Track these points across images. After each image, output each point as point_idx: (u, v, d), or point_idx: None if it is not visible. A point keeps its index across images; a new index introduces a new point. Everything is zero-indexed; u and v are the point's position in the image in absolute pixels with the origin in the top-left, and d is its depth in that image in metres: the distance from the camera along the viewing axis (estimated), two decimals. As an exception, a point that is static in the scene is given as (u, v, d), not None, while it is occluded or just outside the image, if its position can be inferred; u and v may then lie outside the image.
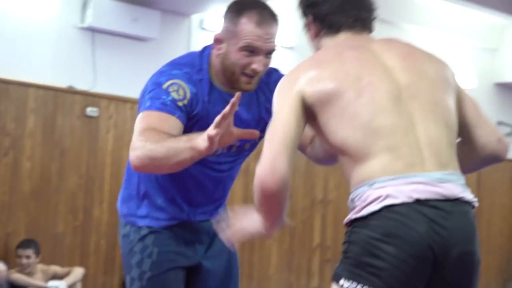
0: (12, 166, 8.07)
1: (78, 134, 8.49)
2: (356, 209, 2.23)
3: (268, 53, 3.03)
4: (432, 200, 2.19)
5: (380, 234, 2.15)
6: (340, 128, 2.31)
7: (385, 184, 2.20)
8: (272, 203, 2.39)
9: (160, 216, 3.33)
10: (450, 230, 2.20)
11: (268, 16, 3.03)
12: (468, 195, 2.28)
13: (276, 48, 3.07)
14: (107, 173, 8.70)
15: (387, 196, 2.17)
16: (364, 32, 2.62)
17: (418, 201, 2.18)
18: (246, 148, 3.33)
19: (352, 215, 2.24)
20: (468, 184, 8.79)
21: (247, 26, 2.95)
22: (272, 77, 3.20)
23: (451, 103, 2.42)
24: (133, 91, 8.76)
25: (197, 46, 9.43)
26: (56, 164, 8.31)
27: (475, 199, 2.31)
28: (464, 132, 2.51)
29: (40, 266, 7.82)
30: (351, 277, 2.15)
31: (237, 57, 2.95)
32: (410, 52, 2.55)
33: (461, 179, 2.32)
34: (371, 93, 2.34)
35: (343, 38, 2.56)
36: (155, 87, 3.02)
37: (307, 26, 2.66)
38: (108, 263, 8.67)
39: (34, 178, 8.20)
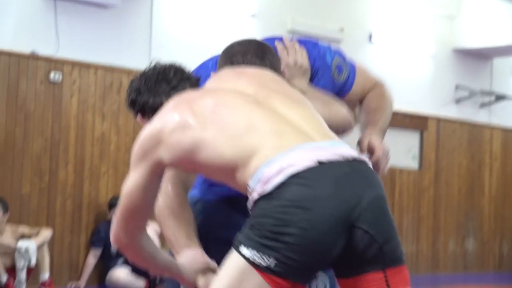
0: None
1: (42, 99, 8.49)
2: (258, 189, 2.09)
3: None
4: (334, 161, 2.14)
5: (289, 200, 2.03)
6: (215, 149, 2.24)
7: (284, 157, 2.10)
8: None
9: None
10: (357, 182, 2.16)
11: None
12: (362, 157, 2.28)
13: None
14: (71, 136, 8.69)
15: (289, 166, 2.07)
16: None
17: (320, 164, 2.10)
18: None
19: (255, 195, 2.10)
20: (428, 146, 9.00)
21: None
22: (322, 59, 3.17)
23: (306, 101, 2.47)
24: (96, 57, 8.85)
25: (158, 14, 9.53)
26: (20, 128, 8.32)
27: (369, 162, 2.32)
28: None
29: (8, 226, 7.86)
30: (256, 247, 2.03)
31: None
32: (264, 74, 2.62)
33: (349, 146, 2.28)
34: (230, 111, 2.30)
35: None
36: None
37: None
38: (75, 223, 8.70)
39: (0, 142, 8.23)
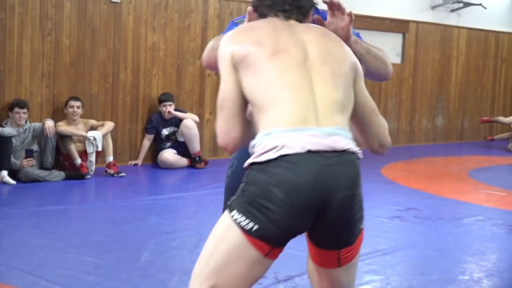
0: (55, 43, 8.02)
1: (106, 16, 8.40)
2: (255, 154, 2.11)
3: None
4: (321, 151, 2.06)
5: (274, 180, 2.01)
6: (252, 81, 2.19)
7: (282, 135, 2.07)
8: None
9: None
10: (335, 177, 2.08)
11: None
12: (354, 147, 2.16)
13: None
14: (129, 46, 8.66)
15: (283, 146, 2.04)
16: (289, 20, 2.42)
17: (309, 152, 2.04)
18: None
19: (251, 159, 2.12)
20: (409, 44, 8.84)
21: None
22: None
23: (349, 81, 2.26)
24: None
25: None
26: (89, 41, 8.26)
27: (360, 151, 2.18)
28: (360, 121, 2.38)
29: (81, 119, 7.90)
30: (243, 212, 2.04)
31: None
32: (325, 35, 2.37)
33: (348, 134, 2.18)
34: (283, 56, 2.21)
35: (271, 20, 2.42)
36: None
37: (248, 13, 2.54)
38: (133, 114, 8.75)
39: (72, 52, 8.16)
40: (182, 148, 8.79)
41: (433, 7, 12.18)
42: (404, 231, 5.72)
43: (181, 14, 9.04)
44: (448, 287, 4.25)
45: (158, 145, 8.86)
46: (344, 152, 2.10)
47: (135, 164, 8.74)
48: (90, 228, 5.36)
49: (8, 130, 7.21)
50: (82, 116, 7.98)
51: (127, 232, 5.26)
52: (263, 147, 2.07)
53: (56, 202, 6.42)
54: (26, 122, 7.48)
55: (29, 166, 7.34)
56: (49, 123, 7.54)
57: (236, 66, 2.21)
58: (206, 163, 8.76)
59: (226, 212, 2.10)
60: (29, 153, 7.43)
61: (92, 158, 7.80)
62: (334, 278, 2.29)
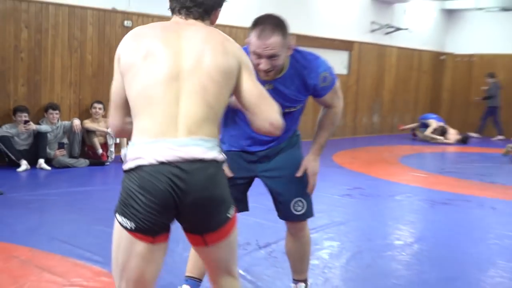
0: (80, 59, 7.88)
1: (120, 37, 8.21)
2: (124, 163, 2.00)
3: (270, 57, 2.58)
4: (173, 162, 1.92)
5: (136, 186, 1.92)
6: (129, 90, 2.00)
7: (141, 147, 1.94)
8: None
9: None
10: (187, 183, 1.93)
11: (268, 31, 2.55)
12: (210, 155, 1.97)
13: (276, 53, 2.58)
14: None
15: (139, 158, 1.93)
16: (189, 18, 2.11)
17: (161, 163, 1.91)
18: (285, 112, 2.72)
19: (123, 166, 2.01)
20: (353, 59, 8.77)
21: (252, 38, 2.58)
22: (312, 63, 2.80)
23: (219, 90, 2.02)
24: (152, 9, 8.57)
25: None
26: (107, 56, 8.13)
27: (220, 156, 2.01)
28: (248, 106, 2.11)
29: (103, 118, 7.82)
30: (122, 213, 1.95)
31: (252, 59, 2.52)
32: (209, 39, 2.06)
33: (208, 143, 1.97)
34: (155, 68, 1.97)
35: (173, 19, 2.14)
36: None
37: None
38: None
39: (93, 65, 8.03)
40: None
41: (372, 31, 12.23)
42: (353, 206, 5.79)
43: (179, 36, 8.99)
44: (388, 250, 4.31)
45: None
46: (196, 161, 1.95)
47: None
48: (112, 205, 5.27)
49: (44, 127, 7.18)
50: (103, 116, 7.90)
51: None
52: (129, 157, 1.97)
53: (82, 184, 6.39)
54: (58, 120, 7.41)
55: (61, 155, 7.37)
56: (76, 121, 7.51)
57: (121, 70, 2.05)
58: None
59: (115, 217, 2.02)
60: (61, 145, 7.47)
61: (112, 148, 7.75)
62: (206, 255, 2.18)
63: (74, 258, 3.76)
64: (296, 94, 2.80)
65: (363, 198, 6.11)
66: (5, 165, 6.99)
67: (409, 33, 12.95)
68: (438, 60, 14.04)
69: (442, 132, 11.66)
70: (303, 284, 3.17)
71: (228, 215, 2.06)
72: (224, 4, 2.20)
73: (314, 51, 10.44)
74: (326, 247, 4.30)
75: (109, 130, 7.67)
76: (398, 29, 12.55)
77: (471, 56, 13.87)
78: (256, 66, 2.57)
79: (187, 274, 3.05)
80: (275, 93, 2.66)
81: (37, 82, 7.52)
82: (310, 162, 2.95)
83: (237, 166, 2.90)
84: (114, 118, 2.15)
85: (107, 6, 8.10)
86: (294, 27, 10.13)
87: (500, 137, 12.69)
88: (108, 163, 7.54)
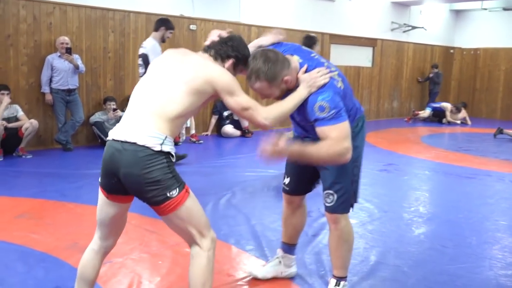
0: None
1: (186, 38, 8.29)
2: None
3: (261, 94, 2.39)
4: (117, 140, 2.05)
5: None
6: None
7: (114, 129, 2.14)
8: None
9: None
10: (119, 159, 2.04)
11: (252, 78, 2.32)
12: (142, 141, 2.01)
13: (264, 93, 2.37)
14: None
15: (110, 136, 2.13)
16: (205, 53, 2.29)
17: (113, 140, 2.08)
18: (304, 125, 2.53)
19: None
20: (376, 54, 8.59)
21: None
22: (313, 96, 2.31)
23: (179, 96, 2.07)
24: (213, 15, 8.53)
25: (242, -12, 9.13)
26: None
27: (144, 142, 2.01)
28: (241, 113, 2.21)
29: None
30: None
31: None
32: (197, 64, 2.16)
33: (147, 132, 2.02)
34: (142, 85, 2.18)
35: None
36: None
37: None
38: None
39: None
40: (236, 124, 8.74)
41: (392, 29, 12.02)
42: (391, 180, 5.72)
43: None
44: (432, 218, 4.26)
45: (220, 122, 8.75)
46: (130, 143, 2.03)
47: (206, 134, 8.70)
48: (190, 178, 5.32)
49: (101, 115, 7.19)
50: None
51: (212, 181, 5.27)
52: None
53: None
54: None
55: None
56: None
57: None
58: (252, 133, 8.76)
59: None
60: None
61: (183, 131, 7.76)
62: (166, 224, 2.20)
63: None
64: (303, 116, 2.43)
65: (398, 172, 6.05)
66: (98, 145, 7.13)
67: (424, 31, 12.69)
68: (448, 54, 13.73)
69: (458, 109, 11.53)
70: (334, 281, 2.69)
71: (169, 195, 2.04)
72: (237, 58, 2.27)
73: (344, 47, 10.32)
74: (376, 216, 4.27)
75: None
76: (414, 27, 12.30)
77: (476, 49, 13.52)
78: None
79: (282, 240, 3.03)
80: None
81: (121, 77, 7.60)
82: (280, 143, 2.29)
83: None
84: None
85: (176, 13, 8.12)
86: (328, 28, 10.05)
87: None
88: (180, 143, 7.59)
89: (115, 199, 2.17)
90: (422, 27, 12.51)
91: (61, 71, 6.67)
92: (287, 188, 2.84)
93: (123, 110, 7.28)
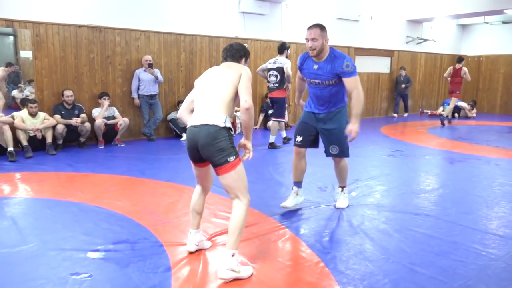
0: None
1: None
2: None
3: (312, 39, 3.07)
4: (196, 125, 2.34)
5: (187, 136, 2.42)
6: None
7: (191, 117, 2.42)
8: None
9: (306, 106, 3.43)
10: (198, 135, 2.32)
11: (312, 27, 3.10)
12: (212, 122, 2.28)
13: (315, 37, 3.07)
14: (252, 74, 8.59)
15: (189, 123, 2.41)
16: (226, 61, 2.55)
17: (192, 126, 2.36)
18: (325, 84, 3.18)
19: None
20: (393, 63, 8.32)
21: (306, 32, 3.13)
22: (338, 58, 3.10)
23: (227, 89, 2.35)
24: (261, 36, 8.54)
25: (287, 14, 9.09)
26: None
27: (219, 123, 2.28)
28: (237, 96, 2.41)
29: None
30: None
31: (306, 43, 3.17)
32: (227, 69, 2.44)
33: (215, 116, 2.29)
34: (202, 83, 2.48)
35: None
36: None
37: None
38: (254, 101, 8.70)
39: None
40: (278, 119, 8.73)
41: (407, 42, 11.54)
42: (396, 163, 5.58)
43: (277, 51, 8.91)
44: (421, 193, 4.16)
45: (267, 118, 8.70)
46: (202, 124, 2.31)
47: (255, 128, 8.74)
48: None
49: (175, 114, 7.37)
50: (230, 105, 8.05)
51: (258, 163, 5.25)
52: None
53: None
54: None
55: None
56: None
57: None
58: (290, 126, 8.75)
59: None
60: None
61: (239, 125, 7.71)
62: (222, 182, 2.38)
63: (219, 195, 3.90)
64: (327, 73, 3.13)
65: (403, 157, 5.90)
66: (173, 136, 7.39)
67: (434, 42, 12.11)
68: (455, 61, 13.01)
69: (472, 107, 11.16)
70: (340, 189, 3.64)
71: (228, 160, 2.30)
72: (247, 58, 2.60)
73: (367, 58, 9.92)
74: (378, 190, 4.23)
75: (237, 114, 7.84)
76: (425, 40, 11.76)
77: (479, 56, 12.75)
78: (307, 47, 3.11)
79: (293, 180, 3.55)
80: (318, 69, 3.15)
81: (191, 85, 7.79)
82: (352, 125, 3.10)
83: (309, 118, 3.36)
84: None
85: (232, 35, 8.19)
86: (353, 42, 9.73)
87: (395, 114, 11.21)
88: (235, 135, 7.69)
89: (197, 165, 2.50)
90: (433, 40, 11.94)
91: (145, 81, 6.96)
92: (300, 143, 3.40)
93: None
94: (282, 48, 6.33)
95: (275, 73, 6.24)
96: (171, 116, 7.36)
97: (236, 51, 2.56)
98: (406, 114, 11.41)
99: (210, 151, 2.29)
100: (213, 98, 2.35)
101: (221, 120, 2.30)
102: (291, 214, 3.44)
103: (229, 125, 2.32)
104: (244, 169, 2.39)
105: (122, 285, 2.31)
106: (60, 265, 2.54)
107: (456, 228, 3.20)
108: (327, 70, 3.12)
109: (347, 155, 3.38)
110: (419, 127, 9.23)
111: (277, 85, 6.27)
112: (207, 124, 2.29)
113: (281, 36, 8.90)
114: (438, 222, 3.32)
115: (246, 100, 2.31)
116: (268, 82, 6.42)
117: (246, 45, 8.27)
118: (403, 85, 10.95)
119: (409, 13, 11.25)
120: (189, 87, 7.76)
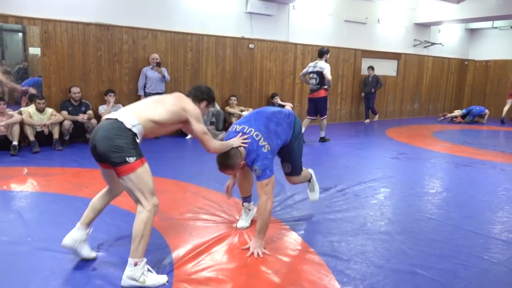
0: (222, 69, 8.06)
1: (247, 54, 8.35)
2: None
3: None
4: (105, 119, 2.28)
5: None
6: None
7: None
8: None
9: None
10: (99, 128, 2.24)
11: (221, 169, 2.77)
12: (119, 118, 2.22)
13: (231, 174, 2.97)
14: (258, 70, 8.52)
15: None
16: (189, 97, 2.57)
17: (106, 119, 2.29)
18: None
19: None
20: (400, 66, 8.30)
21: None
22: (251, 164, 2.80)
23: (158, 111, 2.36)
24: (268, 36, 8.57)
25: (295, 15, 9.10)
26: (238, 67, 8.30)
27: (123, 120, 2.21)
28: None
29: (236, 106, 7.97)
30: None
31: None
32: (171, 97, 2.47)
33: (127, 117, 2.24)
34: (149, 100, 2.47)
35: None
36: None
37: None
38: (259, 103, 8.71)
39: (230, 73, 8.17)
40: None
41: (414, 45, 11.51)
42: (400, 165, 5.56)
43: (283, 52, 8.95)
44: (425, 196, 4.16)
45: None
46: (112, 119, 2.23)
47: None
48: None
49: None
50: (237, 104, 8.08)
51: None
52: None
53: None
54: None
55: (211, 129, 7.45)
56: (220, 109, 7.68)
57: None
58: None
59: None
60: (211, 123, 7.59)
61: None
62: (123, 185, 2.27)
63: (223, 193, 3.89)
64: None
65: (407, 160, 5.89)
66: (178, 135, 7.41)
67: (442, 46, 12.07)
68: (463, 65, 12.98)
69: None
70: (307, 182, 3.36)
71: (127, 160, 2.15)
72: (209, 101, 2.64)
73: (373, 60, 9.99)
74: (381, 192, 4.23)
75: (243, 113, 7.86)
76: (433, 43, 11.72)
77: (487, 61, 12.69)
78: None
79: (241, 195, 3.21)
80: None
81: (197, 84, 7.84)
82: (253, 244, 2.68)
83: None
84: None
85: (238, 35, 8.23)
86: (361, 44, 9.72)
87: (367, 120, 10.22)
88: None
89: (101, 164, 2.42)
90: (440, 43, 11.91)
91: (152, 79, 7.02)
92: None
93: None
94: (322, 52, 6.76)
95: (315, 76, 6.76)
96: (177, 114, 7.40)
97: (201, 93, 2.59)
98: (376, 117, 10.37)
99: (106, 145, 2.13)
100: (137, 108, 2.32)
101: (131, 122, 2.21)
102: (294, 213, 3.45)
103: (136, 131, 2.21)
104: (149, 172, 2.24)
105: (125, 279, 2.34)
106: (64, 257, 2.58)
107: (459, 232, 3.20)
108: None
109: (300, 173, 3.11)
110: (424, 130, 9.21)
111: (317, 86, 6.77)
112: (116, 119, 2.20)
113: (287, 37, 8.92)
114: (441, 225, 3.32)
115: (209, 149, 2.50)
116: (309, 84, 6.94)
117: (251, 45, 8.42)
118: (373, 89, 9.94)
119: (417, 16, 11.23)
120: (195, 86, 7.80)
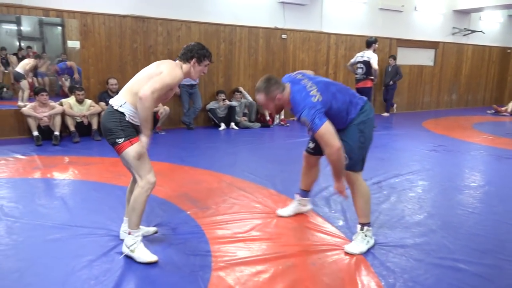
0: (254, 60, 8.04)
1: (279, 45, 8.30)
2: None
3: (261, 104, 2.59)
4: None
5: None
6: None
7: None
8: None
9: None
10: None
11: (256, 92, 2.54)
12: (115, 105, 2.33)
13: (262, 104, 2.54)
14: (290, 60, 8.43)
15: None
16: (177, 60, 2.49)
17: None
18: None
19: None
20: (438, 55, 7.99)
21: None
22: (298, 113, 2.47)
23: (140, 82, 2.32)
24: (300, 26, 8.48)
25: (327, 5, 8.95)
26: (271, 58, 8.24)
27: (118, 106, 2.32)
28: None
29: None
30: None
31: None
32: (152, 66, 2.41)
33: (120, 101, 2.34)
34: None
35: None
36: None
37: None
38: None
39: (263, 64, 8.12)
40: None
41: (453, 34, 11.09)
42: (438, 158, 5.40)
43: (316, 42, 8.83)
44: (466, 189, 4.03)
45: None
46: (110, 105, 2.37)
47: (293, 119, 8.69)
48: (277, 152, 5.46)
49: (234, 103, 7.39)
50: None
51: (294, 154, 5.28)
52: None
53: (257, 139, 6.49)
54: (241, 98, 7.66)
55: (244, 120, 7.53)
56: (252, 100, 7.66)
57: None
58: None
59: None
60: (244, 114, 7.61)
61: (277, 115, 7.81)
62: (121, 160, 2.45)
63: (257, 183, 3.96)
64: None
65: (446, 152, 5.71)
66: (211, 126, 7.50)
67: (483, 34, 11.56)
68: (504, 53, 12.40)
69: None
70: (359, 226, 2.66)
71: (117, 141, 2.32)
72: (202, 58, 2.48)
73: (410, 50, 9.71)
74: (419, 185, 4.13)
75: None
76: (473, 31, 11.25)
77: (532, 49, 12.10)
78: None
79: (300, 187, 3.13)
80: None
81: (230, 75, 7.88)
82: (335, 185, 2.53)
83: None
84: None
85: (271, 25, 8.18)
86: (396, 33, 9.42)
87: (386, 114, 9.57)
88: (272, 126, 7.71)
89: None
90: (481, 31, 11.41)
91: (186, 71, 7.08)
92: (312, 150, 2.92)
93: (230, 100, 7.57)
94: (370, 42, 6.90)
95: (362, 65, 6.90)
96: (210, 105, 7.47)
97: (188, 51, 2.41)
98: (394, 109, 9.89)
99: (103, 130, 2.35)
100: (125, 87, 2.40)
101: (117, 103, 2.34)
102: (329, 205, 3.42)
103: (123, 110, 2.30)
104: (139, 150, 2.31)
105: (164, 265, 2.40)
106: (107, 244, 2.67)
107: (503, 227, 3.08)
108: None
109: (357, 169, 2.58)
110: (463, 122, 8.89)
111: (363, 76, 6.88)
112: (111, 106, 2.37)
113: (321, 27, 8.79)
114: (483, 220, 3.21)
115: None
116: (356, 74, 7.03)
117: (284, 35, 8.34)
118: (391, 81, 9.29)
119: (456, 3, 10.80)
120: (228, 77, 7.83)
